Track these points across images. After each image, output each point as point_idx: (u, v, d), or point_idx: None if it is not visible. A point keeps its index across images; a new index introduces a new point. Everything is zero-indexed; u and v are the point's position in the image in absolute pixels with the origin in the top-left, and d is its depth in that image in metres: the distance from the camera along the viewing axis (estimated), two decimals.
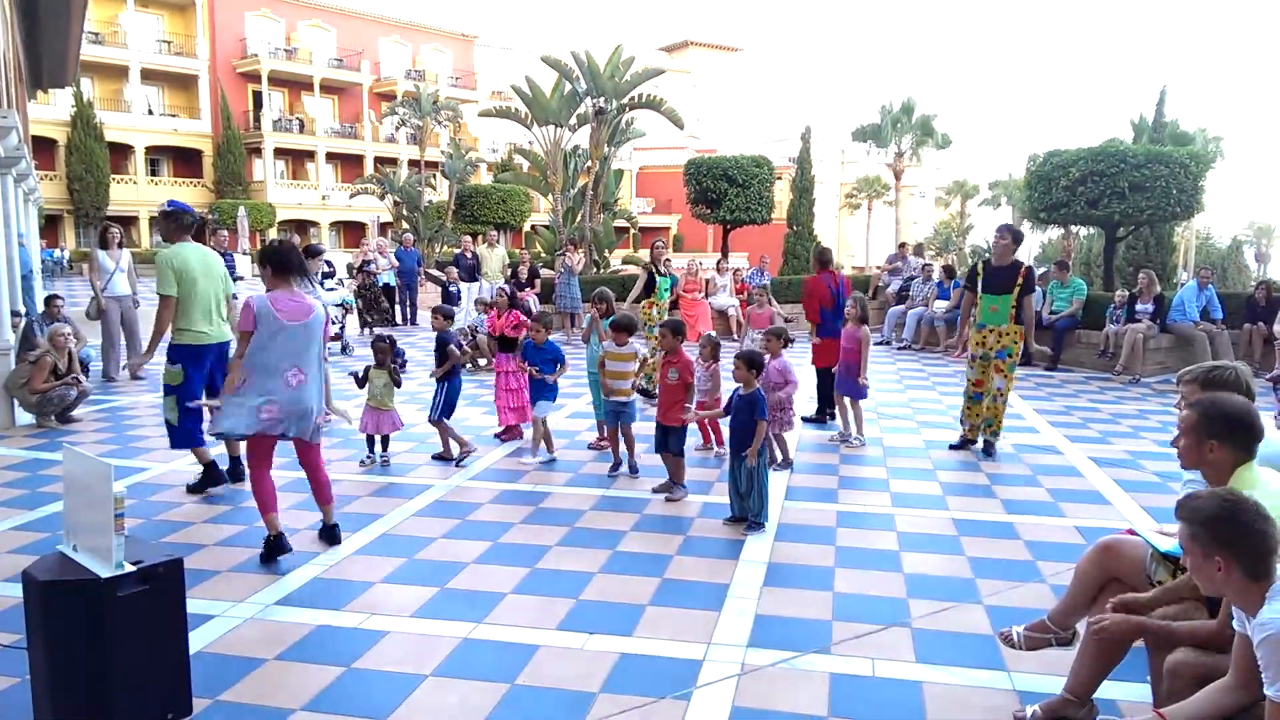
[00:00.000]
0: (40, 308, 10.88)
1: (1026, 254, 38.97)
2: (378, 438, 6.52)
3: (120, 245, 10.08)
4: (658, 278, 9.45)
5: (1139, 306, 11.31)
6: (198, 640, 3.51)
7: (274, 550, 4.46)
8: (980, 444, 6.96)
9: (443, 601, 4.03)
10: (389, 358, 6.46)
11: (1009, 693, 3.23)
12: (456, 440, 6.55)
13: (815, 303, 7.93)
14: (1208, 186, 14.45)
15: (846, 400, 7.30)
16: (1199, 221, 32.25)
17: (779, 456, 6.36)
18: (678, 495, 5.61)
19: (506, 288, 9.87)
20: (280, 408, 4.36)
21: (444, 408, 6.53)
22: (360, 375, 6.51)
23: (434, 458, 6.61)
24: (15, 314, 8.66)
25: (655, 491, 5.70)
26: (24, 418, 7.73)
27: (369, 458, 6.47)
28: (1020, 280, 6.61)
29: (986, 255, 6.78)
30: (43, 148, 32.50)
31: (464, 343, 6.73)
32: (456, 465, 6.42)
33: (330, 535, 4.75)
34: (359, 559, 4.56)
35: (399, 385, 6.47)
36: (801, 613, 3.92)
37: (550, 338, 6.68)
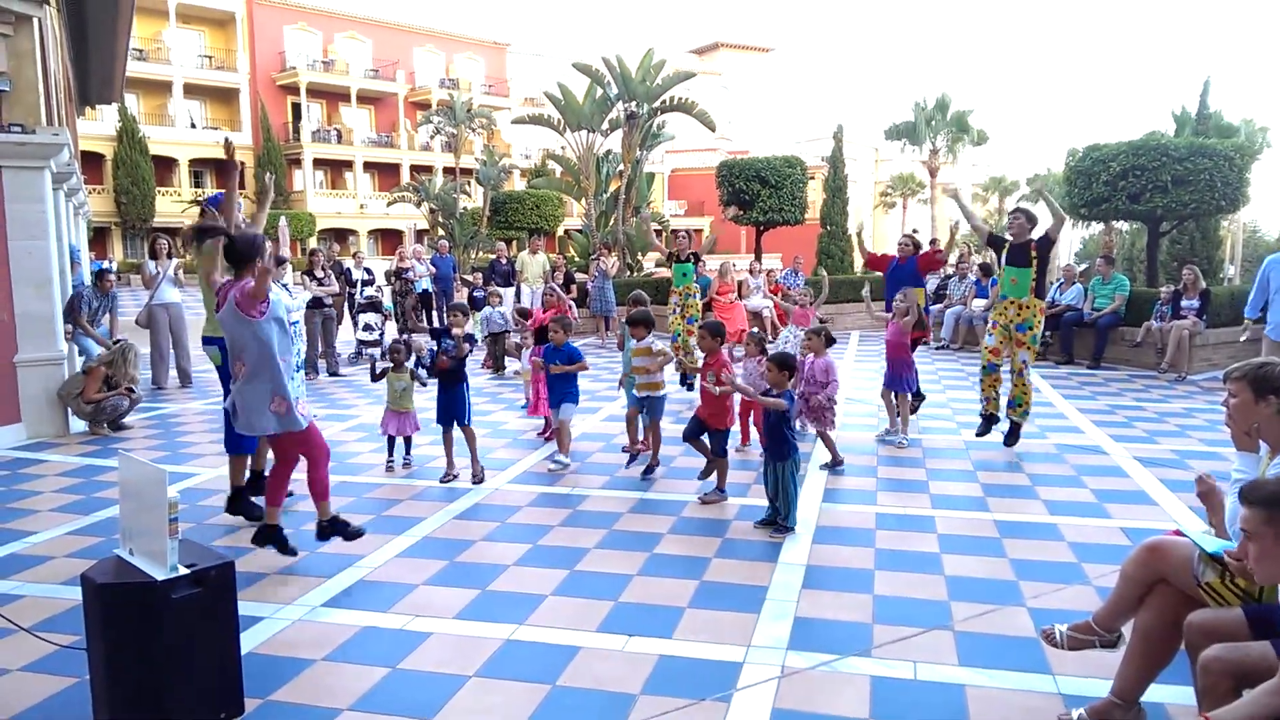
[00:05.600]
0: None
1: (1067, 249, 38.29)
2: (399, 440, 6.61)
3: (169, 255, 10.43)
4: (674, 264, 9.46)
5: (1184, 303, 11.07)
6: (248, 641, 3.60)
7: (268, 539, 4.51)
8: (1006, 426, 6.90)
9: (484, 603, 4.08)
10: (406, 359, 6.54)
11: (1053, 696, 3.20)
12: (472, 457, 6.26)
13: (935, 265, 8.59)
14: (1254, 178, 14.17)
15: (894, 396, 7.30)
16: (1245, 214, 31.48)
17: (832, 457, 6.41)
18: (713, 499, 5.61)
19: (556, 288, 10.00)
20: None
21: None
22: (375, 374, 6.54)
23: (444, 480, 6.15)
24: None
25: (704, 501, 5.61)
26: (77, 425, 7.96)
27: (390, 461, 6.54)
28: (1034, 254, 6.69)
29: (1008, 237, 7.03)
30: (91, 162, 33.38)
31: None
32: (454, 479, 6.15)
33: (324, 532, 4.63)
34: (402, 561, 4.63)
35: (425, 385, 6.43)
36: (841, 615, 3.91)
37: (582, 341, 6.73)
